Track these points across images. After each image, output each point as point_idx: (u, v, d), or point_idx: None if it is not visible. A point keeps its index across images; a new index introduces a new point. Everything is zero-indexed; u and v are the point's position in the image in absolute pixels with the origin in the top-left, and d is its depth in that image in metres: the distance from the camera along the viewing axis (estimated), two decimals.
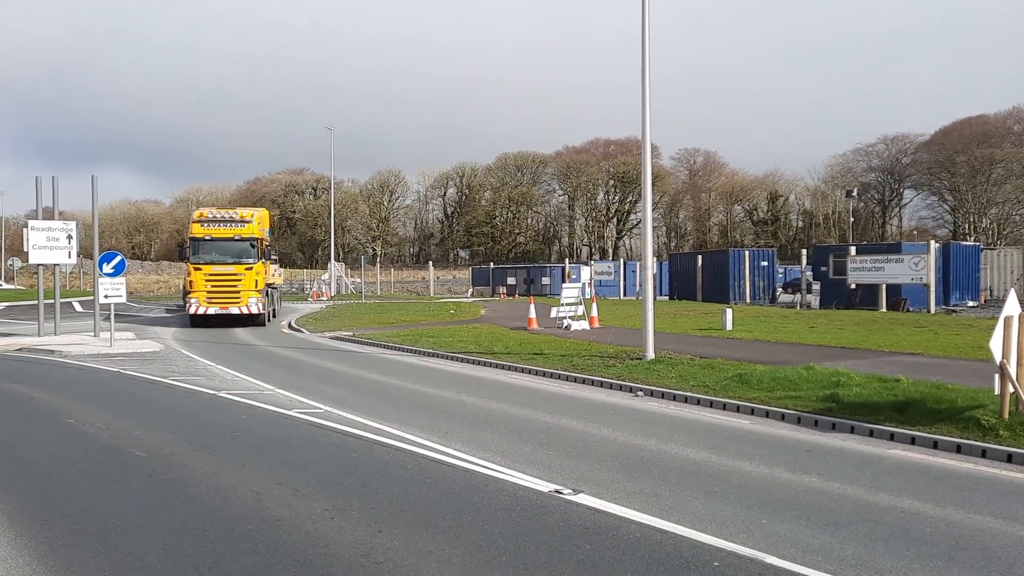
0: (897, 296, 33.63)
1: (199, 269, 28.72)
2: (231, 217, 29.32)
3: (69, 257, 25.65)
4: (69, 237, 24.99)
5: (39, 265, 26.14)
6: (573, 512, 6.68)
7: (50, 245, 24.69)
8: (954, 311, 32.50)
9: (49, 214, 26.15)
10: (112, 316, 21.90)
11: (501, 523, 6.38)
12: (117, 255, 21.97)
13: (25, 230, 25.84)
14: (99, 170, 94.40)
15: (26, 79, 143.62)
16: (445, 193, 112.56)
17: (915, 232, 68.95)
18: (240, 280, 28.73)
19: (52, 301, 25.78)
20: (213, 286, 28.65)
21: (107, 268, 21.27)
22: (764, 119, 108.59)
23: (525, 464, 8.29)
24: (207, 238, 28.93)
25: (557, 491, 7.24)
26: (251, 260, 28.95)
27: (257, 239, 29.31)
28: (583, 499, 7.01)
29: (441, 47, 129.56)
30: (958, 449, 9.15)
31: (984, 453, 8.94)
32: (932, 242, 34.65)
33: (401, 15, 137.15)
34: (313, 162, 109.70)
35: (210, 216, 29.23)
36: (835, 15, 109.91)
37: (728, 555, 5.65)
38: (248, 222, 29.22)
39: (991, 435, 9.26)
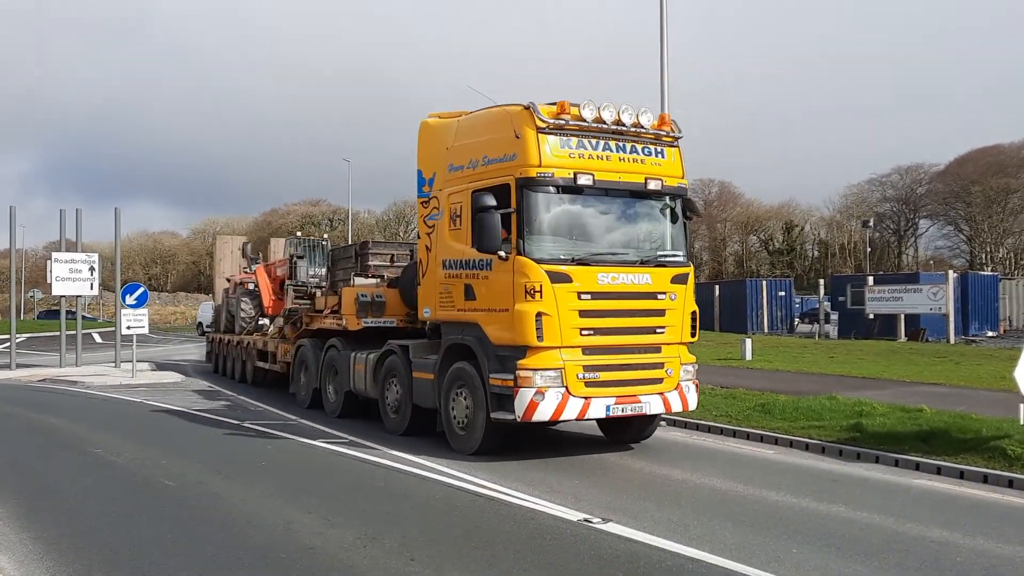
0: (916, 326, 33.48)
1: (561, 277, 9.64)
2: (628, 127, 10.23)
3: (91, 289, 25.97)
4: (91, 269, 25.33)
5: (61, 296, 26.44)
6: (603, 541, 6.71)
7: (72, 277, 25.02)
8: (973, 341, 32.29)
9: (72, 246, 26.52)
10: (134, 347, 22.10)
11: (533, 551, 6.42)
12: (140, 286, 22.21)
13: (48, 262, 26.23)
14: (122, 202, 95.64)
15: (63, 116, 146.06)
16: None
17: (931, 262, 68.66)
18: (662, 317, 10.32)
19: (74, 332, 26.06)
20: (604, 326, 9.97)
21: (130, 299, 21.49)
22: (779, 149, 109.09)
23: (552, 493, 8.33)
24: (587, 179, 9.83)
25: (586, 520, 7.27)
26: (679, 257, 10.72)
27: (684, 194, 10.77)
28: (612, 527, 7.04)
29: (455, 78, 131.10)
30: (984, 479, 9.12)
31: (1011, 483, 8.91)
32: (950, 272, 34.54)
33: (413, 49, 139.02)
34: (330, 193, 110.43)
35: (588, 115, 9.93)
36: (851, 53, 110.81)
37: None
38: (667, 142, 10.60)
39: (1017, 465, 9.23)
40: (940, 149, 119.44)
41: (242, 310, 21.29)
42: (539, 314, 9.48)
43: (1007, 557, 6.45)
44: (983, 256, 67.92)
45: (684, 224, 10.78)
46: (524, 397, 9.47)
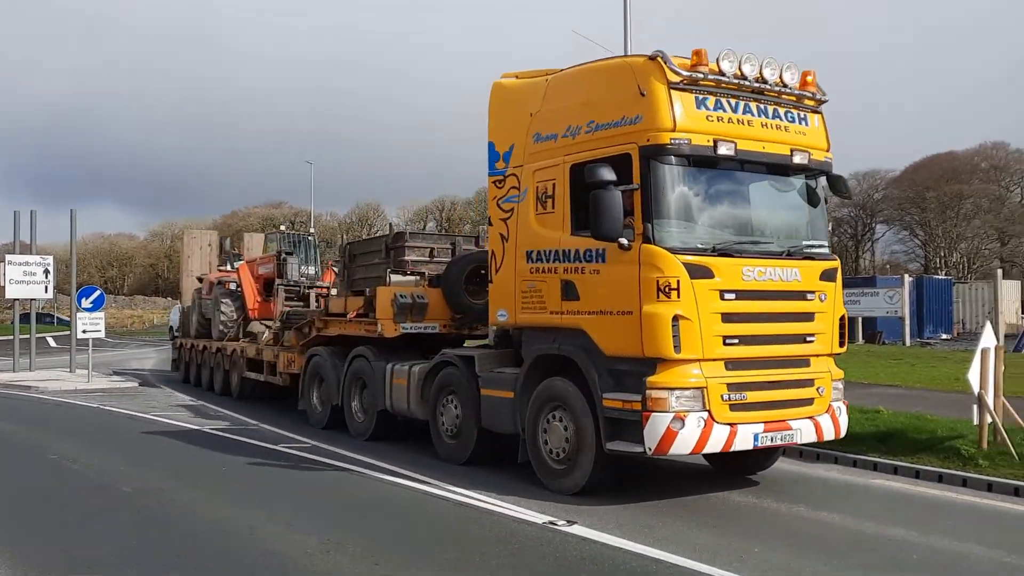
0: (873, 329, 34.13)
1: (702, 271, 7.74)
2: (770, 85, 8.34)
3: (46, 292, 25.41)
4: (46, 272, 24.78)
5: (15, 300, 25.84)
6: (569, 542, 6.73)
7: (27, 280, 24.43)
8: (928, 344, 33.02)
9: (26, 249, 25.92)
10: (90, 351, 21.66)
11: (498, 555, 6.42)
12: (96, 289, 21.78)
13: (2, 264, 25.63)
14: (79, 204, 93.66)
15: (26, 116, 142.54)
16: (424, 227, 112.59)
17: (888, 266, 70.02)
18: (812, 323, 8.46)
19: (27, 336, 25.45)
20: (751, 333, 8.07)
21: (86, 303, 21.05)
22: None
23: (517, 497, 8.31)
24: (728, 149, 7.97)
25: (551, 522, 7.29)
26: (825, 247, 8.88)
27: (831, 171, 8.90)
28: (577, 529, 7.06)
29: (420, 81, 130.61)
30: (940, 479, 9.31)
31: (965, 482, 9.11)
32: (906, 276, 35.30)
33: (380, 49, 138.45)
34: (291, 195, 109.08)
35: (728, 68, 8.06)
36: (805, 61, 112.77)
37: None
38: (811, 107, 8.79)
39: (971, 464, 9.44)
40: (896, 156, 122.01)
41: (221, 313, 18.86)
42: (676, 318, 7.48)
43: (961, 554, 6.60)
44: (937, 260, 69.44)
45: (825, 208, 9.06)
46: (658, 424, 7.47)
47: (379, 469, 9.78)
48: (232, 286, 19.39)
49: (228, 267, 20.79)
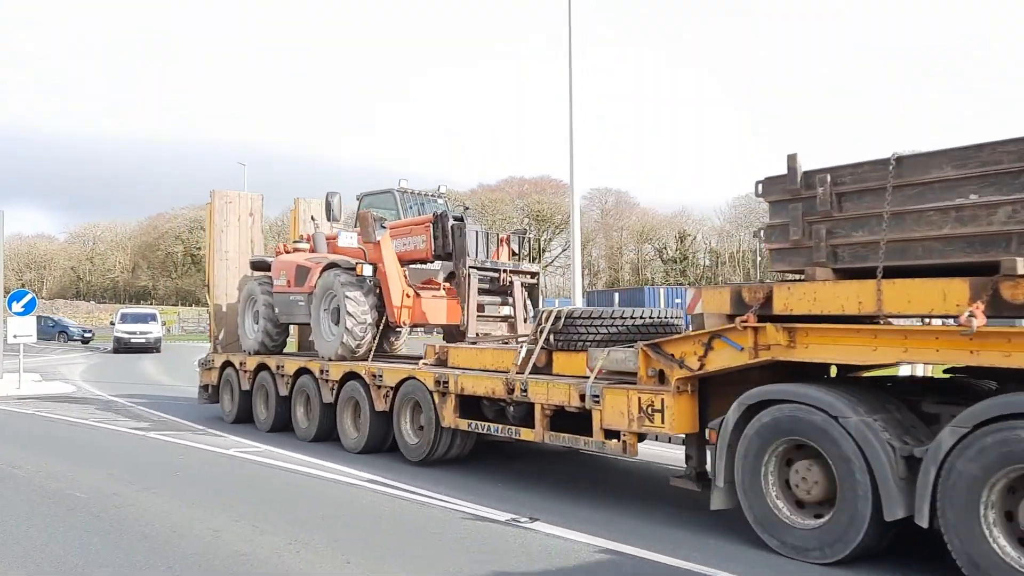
0: None
1: None
2: None
3: None
4: None
5: None
6: (531, 537, 6.95)
7: None
8: None
9: None
10: (21, 357, 21.00)
11: (466, 550, 6.59)
12: (28, 293, 21.19)
13: None
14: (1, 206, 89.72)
15: None
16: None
17: None
18: None
19: None
20: None
21: (17, 307, 20.47)
22: (674, 160, 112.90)
23: (480, 496, 8.49)
24: None
25: (514, 519, 7.50)
26: None
27: None
28: (539, 526, 7.28)
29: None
30: None
31: None
32: None
33: (311, 49, 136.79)
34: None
35: None
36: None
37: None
38: None
39: None
40: (821, 162, 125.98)
41: (349, 316, 11.44)
42: None
43: None
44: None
45: None
46: None
47: (332, 470, 9.86)
48: (367, 272, 11.74)
49: (375, 237, 11.77)
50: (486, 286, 11.25)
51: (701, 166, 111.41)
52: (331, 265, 12.31)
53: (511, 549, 6.63)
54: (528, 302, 11.59)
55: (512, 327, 11.53)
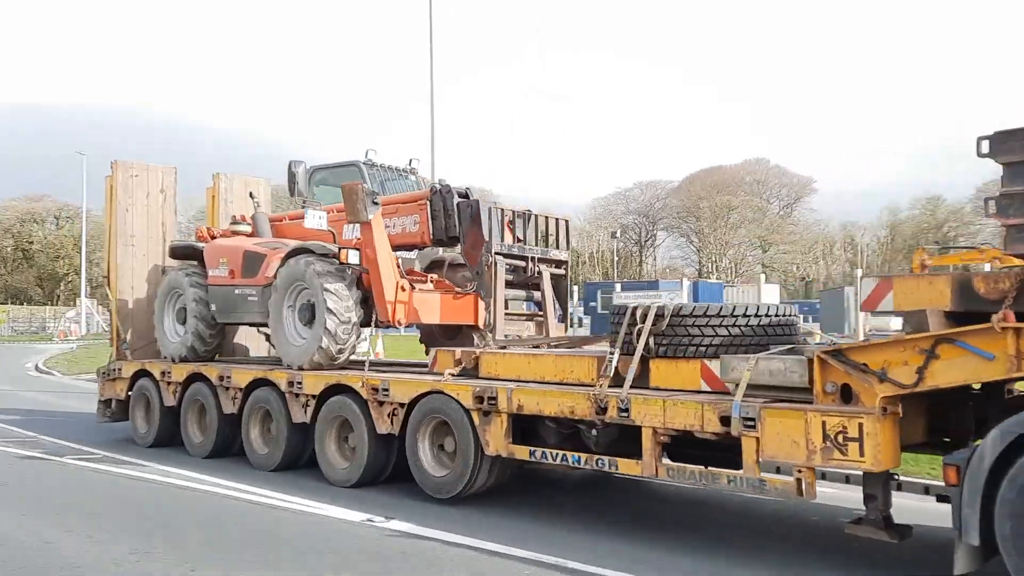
0: None
1: None
2: None
3: None
4: None
5: None
6: (386, 537, 6.91)
7: None
8: None
9: None
10: None
11: (318, 552, 6.49)
12: None
13: None
14: None
15: None
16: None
17: (668, 270, 75.53)
18: None
19: None
20: None
21: None
22: (538, 158, 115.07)
23: (333, 498, 8.33)
24: None
25: (369, 520, 7.43)
26: None
27: None
28: (395, 524, 7.24)
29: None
30: None
31: None
32: (684, 279, 38.35)
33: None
34: (55, 188, 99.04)
35: None
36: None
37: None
38: None
39: None
40: (677, 166, 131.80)
41: (330, 313, 9.10)
42: None
43: None
44: (710, 265, 75.85)
45: None
46: None
47: (175, 475, 9.45)
48: (352, 258, 9.40)
49: (367, 217, 9.22)
50: (509, 278, 9.32)
51: (565, 166, 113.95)
52: (299, 251, 9.76)
53: (365, 549, 6.59)
54: (555, 298, 9.78)
55: (540, 327, 9.81)
